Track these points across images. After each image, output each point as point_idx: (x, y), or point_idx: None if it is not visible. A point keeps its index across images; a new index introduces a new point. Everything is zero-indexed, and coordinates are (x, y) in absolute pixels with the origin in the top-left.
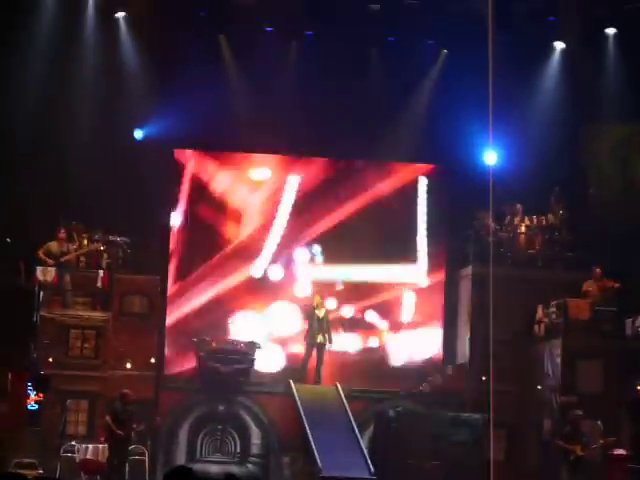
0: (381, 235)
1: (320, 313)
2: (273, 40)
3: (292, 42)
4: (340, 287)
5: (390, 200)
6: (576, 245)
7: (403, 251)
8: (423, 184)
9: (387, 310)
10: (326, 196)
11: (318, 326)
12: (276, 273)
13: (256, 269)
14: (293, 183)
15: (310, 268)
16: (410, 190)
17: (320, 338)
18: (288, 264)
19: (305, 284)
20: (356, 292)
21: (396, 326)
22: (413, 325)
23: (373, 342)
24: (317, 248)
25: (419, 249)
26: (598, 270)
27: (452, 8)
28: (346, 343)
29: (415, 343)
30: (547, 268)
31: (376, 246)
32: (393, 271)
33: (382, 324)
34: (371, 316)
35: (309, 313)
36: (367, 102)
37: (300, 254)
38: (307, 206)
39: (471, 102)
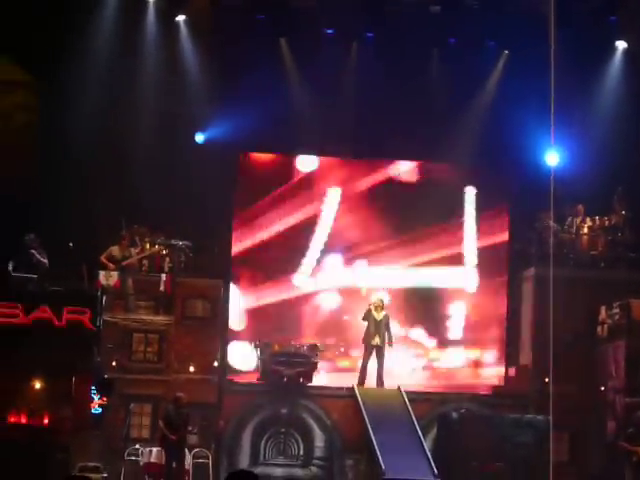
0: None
1: (378, 316)
2: (334, 42)
3: (353, 44)
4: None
5: (445, 202)
6: (639, 246)
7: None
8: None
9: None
10: (380, 199)
11: (375, 328)
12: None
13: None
14: (335, 195)
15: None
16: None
17: (377, 340)
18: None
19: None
20: (401, 305)
21: (444, 343)
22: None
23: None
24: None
25: (467, 253)
26: None
27: (513, 9)
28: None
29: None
30: (610, 269)
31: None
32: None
33: (429, 342)
34: (417, 333)
35: (367, 315)
36: (428, 104)
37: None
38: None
39: (533, 103)
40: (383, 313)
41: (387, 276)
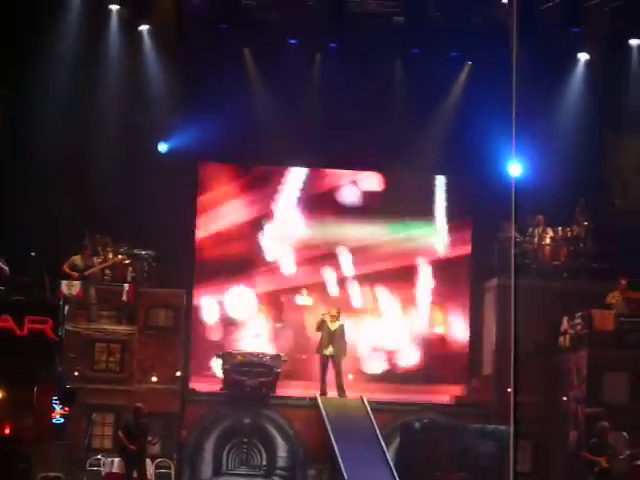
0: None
1: (332, 326)
2: (297, 52)
3: (316, 54)
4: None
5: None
6: (601, 256)
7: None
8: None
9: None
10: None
11: (328, 338)
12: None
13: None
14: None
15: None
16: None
17: (330, 350)
18: None
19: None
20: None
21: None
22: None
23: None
24: None
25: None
26: (624, 282)
27: (476, 21)
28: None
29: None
30: (572, 279)
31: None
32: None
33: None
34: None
35: (320, 324)
36: (391, 114)
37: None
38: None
39: (495, 114)
40: (338, 323)
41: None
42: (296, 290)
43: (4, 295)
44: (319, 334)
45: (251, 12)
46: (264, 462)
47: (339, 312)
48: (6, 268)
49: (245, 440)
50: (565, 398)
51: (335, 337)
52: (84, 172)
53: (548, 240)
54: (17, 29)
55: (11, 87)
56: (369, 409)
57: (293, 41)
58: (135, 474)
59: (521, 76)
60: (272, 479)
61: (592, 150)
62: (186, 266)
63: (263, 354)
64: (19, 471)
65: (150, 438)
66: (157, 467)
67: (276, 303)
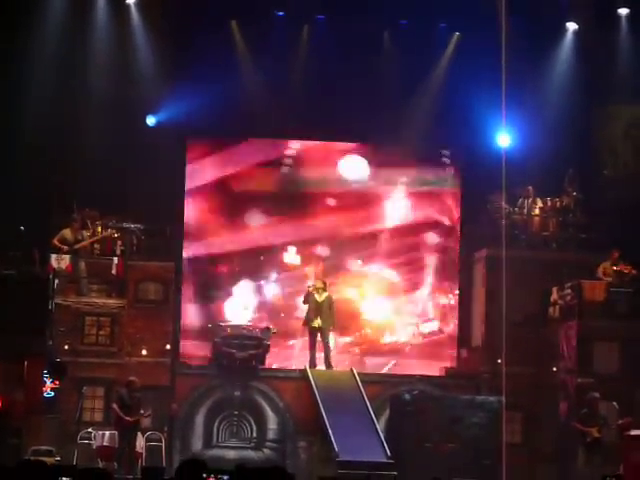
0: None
1: (320, 297)
2: (285, 24)
3: (304, 26)
4: None
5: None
6: (590, 227)
7: None
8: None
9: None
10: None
11: (315, 310)
12: None
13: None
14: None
15: None
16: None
17: (318, 322)
18: None
19: None
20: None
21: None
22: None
23: None
24: None
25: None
26: (616, 254)
27: None
28: None
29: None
30: (561, 250)
31: None
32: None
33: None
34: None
35: (307, 297)
36: (380, 86)
37: None
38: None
39: (484, 85)
40: (325, 294)
41: None
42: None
43: None
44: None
45: None
46: (254, 434)
47: (325, 284)
48: None
49: (235, 413)
50: (555, 369)
51: (323, 309)
52: (72, 145)
53: (537, 211)
54: (2, 3)
55: None
56: (359, 381)
57: (280, 13)
58: (126, 447)
59: (510, 46)
60: (262, 451)
61: (581, 120)
62: (175, 239)
63: (253, 326)
64: (10, 445)
65: (142, 411)
66: (148, 440)
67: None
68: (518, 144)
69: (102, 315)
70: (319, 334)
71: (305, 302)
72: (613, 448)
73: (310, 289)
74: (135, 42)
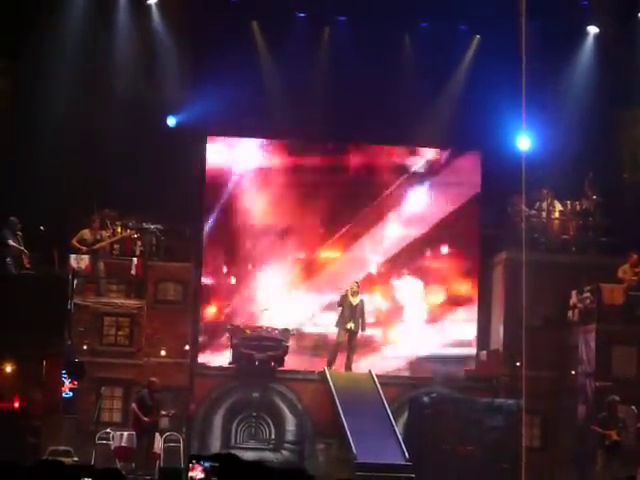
0: None
1: (354, 300)
2: (306, 26)
3: (325, 28)
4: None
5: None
6: (610, 230)
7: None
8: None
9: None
10: (352, 182)
11: (350, 313)
12: None
13: None
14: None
15: None
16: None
17: (351, 325)
18: None
19: None
20: None
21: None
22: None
23: None
24: None
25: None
26: (635, 256)
27: None
28: None
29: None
30: (581, 253)
31: None
32: None
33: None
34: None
35: (342, 299)
36: (400, 88)
37: None
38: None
39: (504, 87)
40: (359, 298)
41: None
42: None
43: (14, 269)
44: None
45: None
46: (273, 436)
47: (359, 286)
48: (15, 245)
49: (254, 414)
50: (574, 372)
51: (356, 312)
52: (93, 146)
53: (557, 214)
54: (27, 5)
55: (22, 62)
56: (378, 383)
57: (302, 14)
58: (144, 447)
59: (530, 50)
60: (281, 453)
61: (601, 123)
62: (195, 240)
63: (272, 328)
64: (29, 444)
65: (164, 412)
66: (166, 441)
67: None
68: (538, 147)
69: (121, 315)
70: (348, 336)
71: (340, 305)
72: (632, 451)
73: (346, 292)
74: (156, 43)
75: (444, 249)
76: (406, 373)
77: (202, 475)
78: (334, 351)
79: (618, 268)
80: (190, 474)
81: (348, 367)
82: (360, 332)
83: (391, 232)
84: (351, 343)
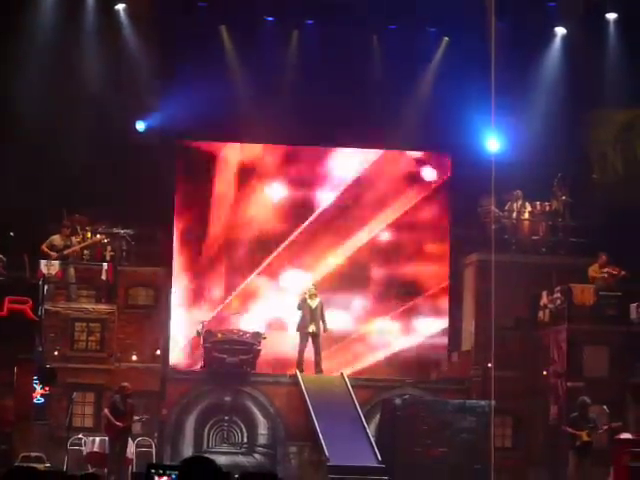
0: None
1: (312, 303)
2: (274, 29)
3: (293, 31)
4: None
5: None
6: (579, 230)
7: None
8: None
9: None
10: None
11: (310, 316)
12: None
13: None
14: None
15: None
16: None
17: (312, 328)
18: None
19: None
20: None
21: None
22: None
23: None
24: None
25: None
26: (604, 256)
27: None
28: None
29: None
30: (551, 254)
31: None
32: None
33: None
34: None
35: (302, 303)
36: (368, 90)
37: None
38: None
39: (473, 89)
40: (317, 300)
41: None
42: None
43: None
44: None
45: None
46: (245, 440)
47: (316, 288)
48: None
49: (226, 418)
50: (545, 373)
51: (316, 314)
52: (62, 151)
53: (527, 215)
54: None
55: None
56: (349, 386)
57: (270, 18)
58: (117, 452)
59: (498, 51)
60: (253, 456)
61: (570, 124)
62: (165, 245)
63: (243, 331)
64: (0, 451)
65: (137, 417)
66: (138, 446)
67: None
68: (507, 148)
69: (92, 321)
70: (311, 339)
71: (299, 308)
72: (603, 451)
73: (304, 295)
74: (125, 47)
75: (414, 250)
76: (378, 375)
77: None
78: (300, 355)
79: (588, 268)
80: None
81: (318, 369)
82: (322, 333)
83: (362, 237)
84: (315, 345)
